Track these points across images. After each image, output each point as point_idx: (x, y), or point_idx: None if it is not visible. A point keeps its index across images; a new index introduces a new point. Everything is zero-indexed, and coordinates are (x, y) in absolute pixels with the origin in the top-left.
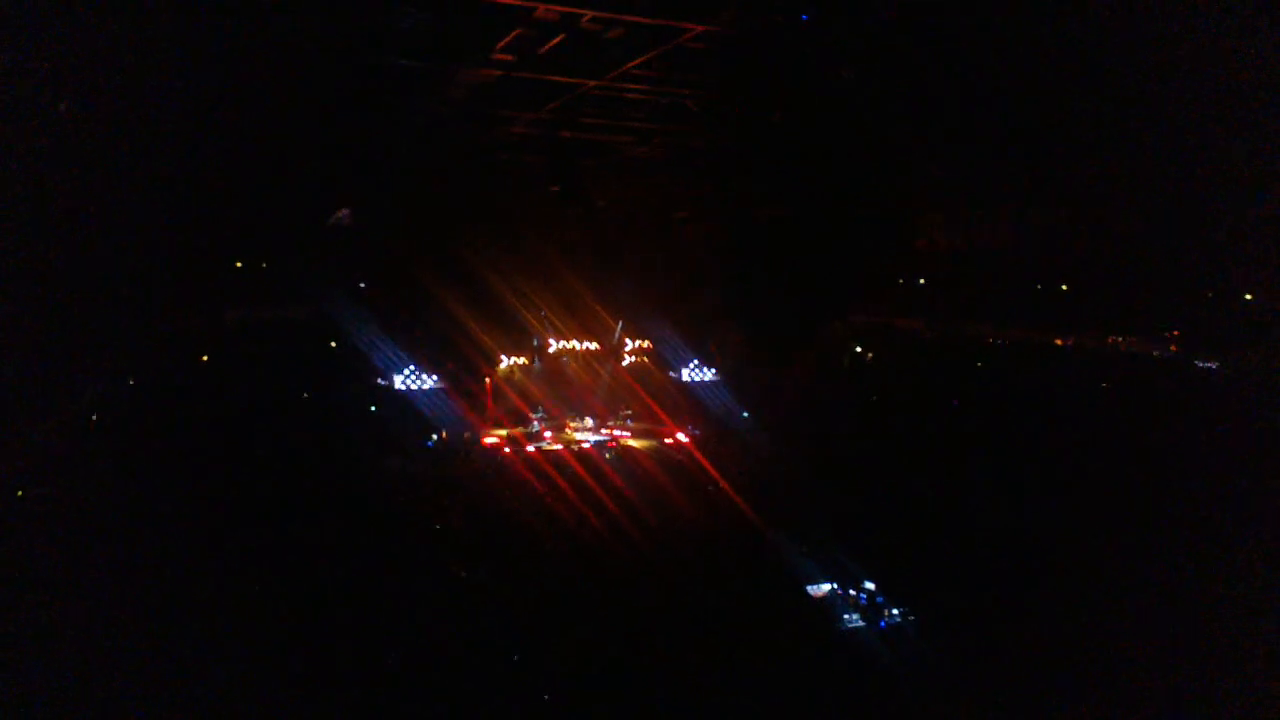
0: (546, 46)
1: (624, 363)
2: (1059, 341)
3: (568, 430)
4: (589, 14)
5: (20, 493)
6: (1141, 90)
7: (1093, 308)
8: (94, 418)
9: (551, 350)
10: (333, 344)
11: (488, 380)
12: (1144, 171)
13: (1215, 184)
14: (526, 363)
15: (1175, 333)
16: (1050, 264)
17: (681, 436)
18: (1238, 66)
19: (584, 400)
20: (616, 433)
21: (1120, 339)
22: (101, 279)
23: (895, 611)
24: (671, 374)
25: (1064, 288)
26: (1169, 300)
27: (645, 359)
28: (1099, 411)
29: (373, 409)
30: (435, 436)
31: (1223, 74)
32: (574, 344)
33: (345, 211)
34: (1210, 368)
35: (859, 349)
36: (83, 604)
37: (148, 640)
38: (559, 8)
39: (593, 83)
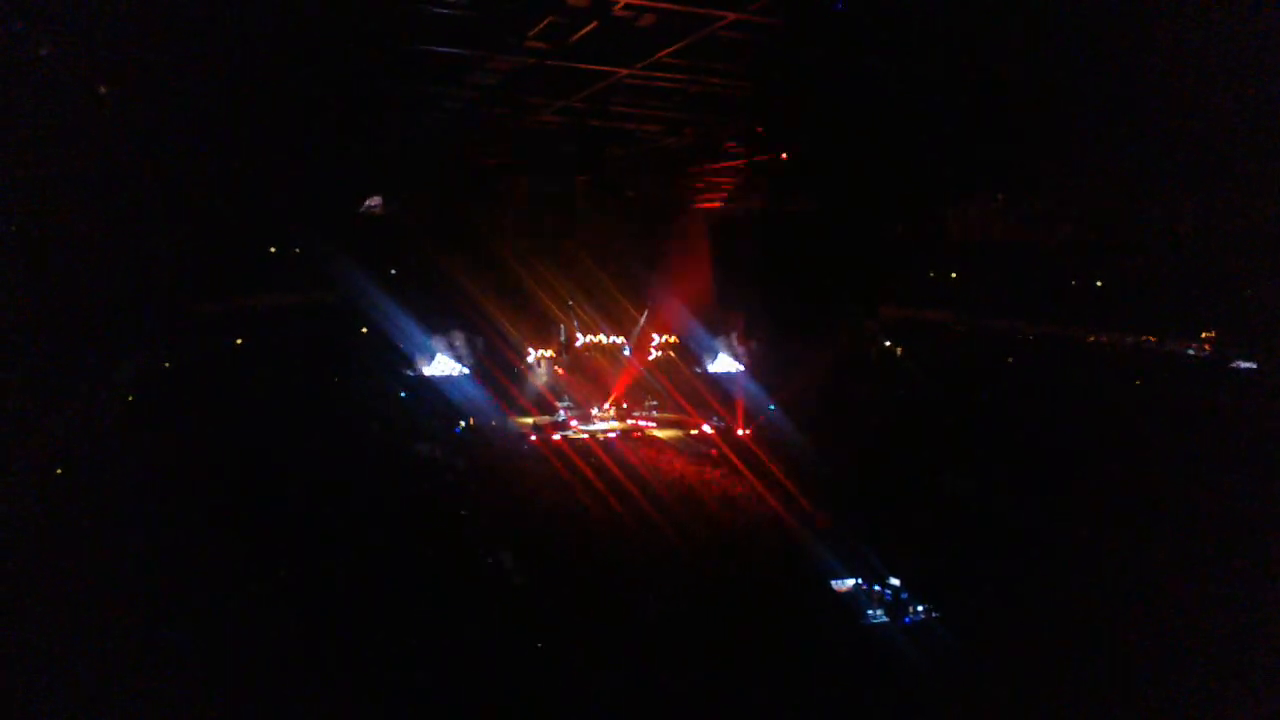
0: (578, 34)
1: (650, 357)
2: (1090, 338)
3: (593, 420)
4: (621, 1)
5: (60, 470)
6: (1179, 85)
7: (1127, 305)
8: (130, 399)
9: (578, 342)
10: (363, 330)
11: (515, 369)
12: (1181, 167)
13: (1255, 182)
14: (554, 353)
15: (1211, 334)
16: (1083, 259)
17: (706, 428)
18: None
19: (610, 391)
20: (642, 423)
21: (1153, 337)
22: (138, 263)
23: (920, 608)
24: (697, 366)
25: (1098, 284)
26: (1206, 299)
27: (671, 353)
28: (1131, 410)
29: (402, 395)
30: (463, 423)
31: (1261, 74)
32: (600, 338)
33: (377, 199)
34: (1250, 368)
35: (887, 342)
36: (120, 580)
37: (182, 614)
38: None
39: (624, 71)
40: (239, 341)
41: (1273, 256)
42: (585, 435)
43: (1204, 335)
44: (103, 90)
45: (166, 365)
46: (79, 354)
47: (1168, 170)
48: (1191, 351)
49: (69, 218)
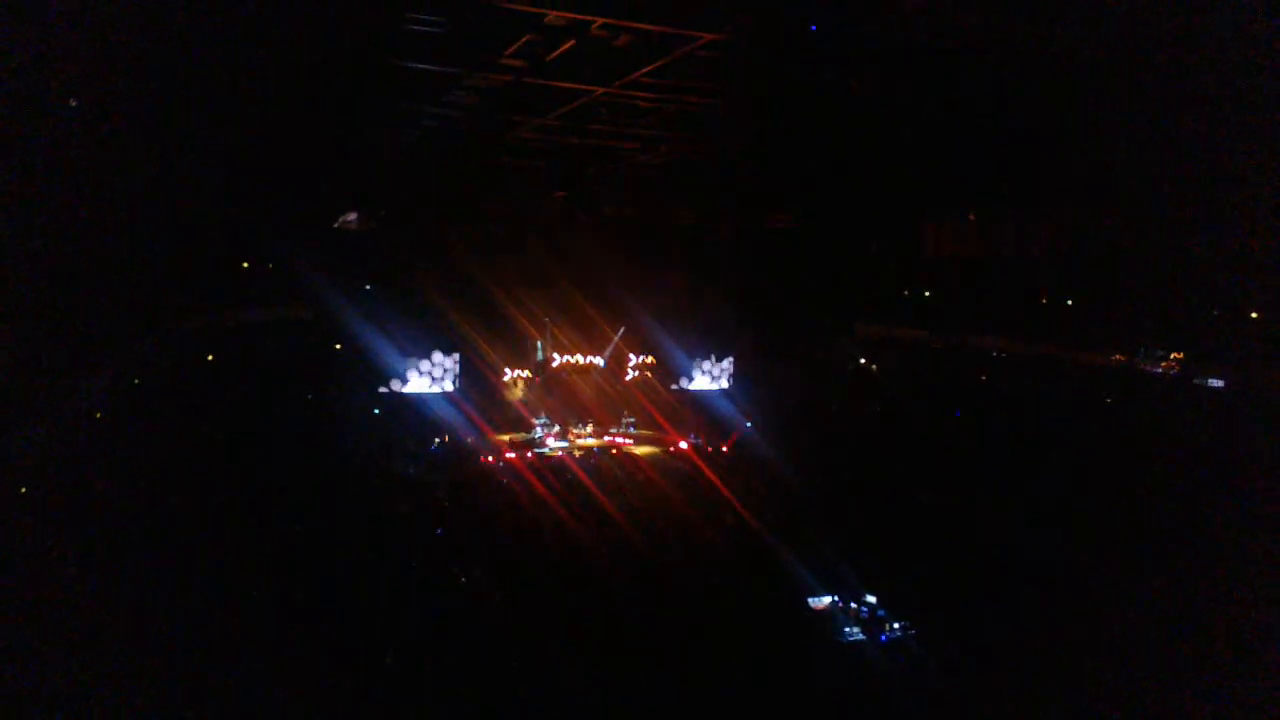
0: (556, 53)
1: (628, 374)
2: (1063, 356)
3: (570, 437)
4: (599, 21)
5: (24, 490)
6: (1150, 103)
7: (1097, 323)
8: (98, 416)
9: (555, 358)
10: (337, 346)
11: (492, 387)
12: (1151, 186)
13: (1222, 201)
14: (531, 368)
15: (1179, 354)
16: (1056, 278)
17: (684, 445)
18: (1245, 82)
19: (587, 407)
20: (619, 440)
21: (1122, 356)
22: (108, 279)
23: (896, 625)
24: (674, 384)
25: (1069, 302)
26: (1175, 317)
27: (649, 373)
28: (1102, 426)
29: (376, 412)
30: (438, 440)
31: (1232, 89)
32: (578, 357)
33: (353, 215)
34: (1216, 385)
35: (863, 359)
36: (84, 603)
37: (148, 640)
38: (569, 14)
39: (601, 89)
40: (211, 358)
41: (1240, 276)
42: (561, 452)
43: (1173, 356)
44: (73, 103)
45: (137, 382)
46: (47, 371)
47: (1140, 191)
48: (1160, 370)
49: (37, 231)
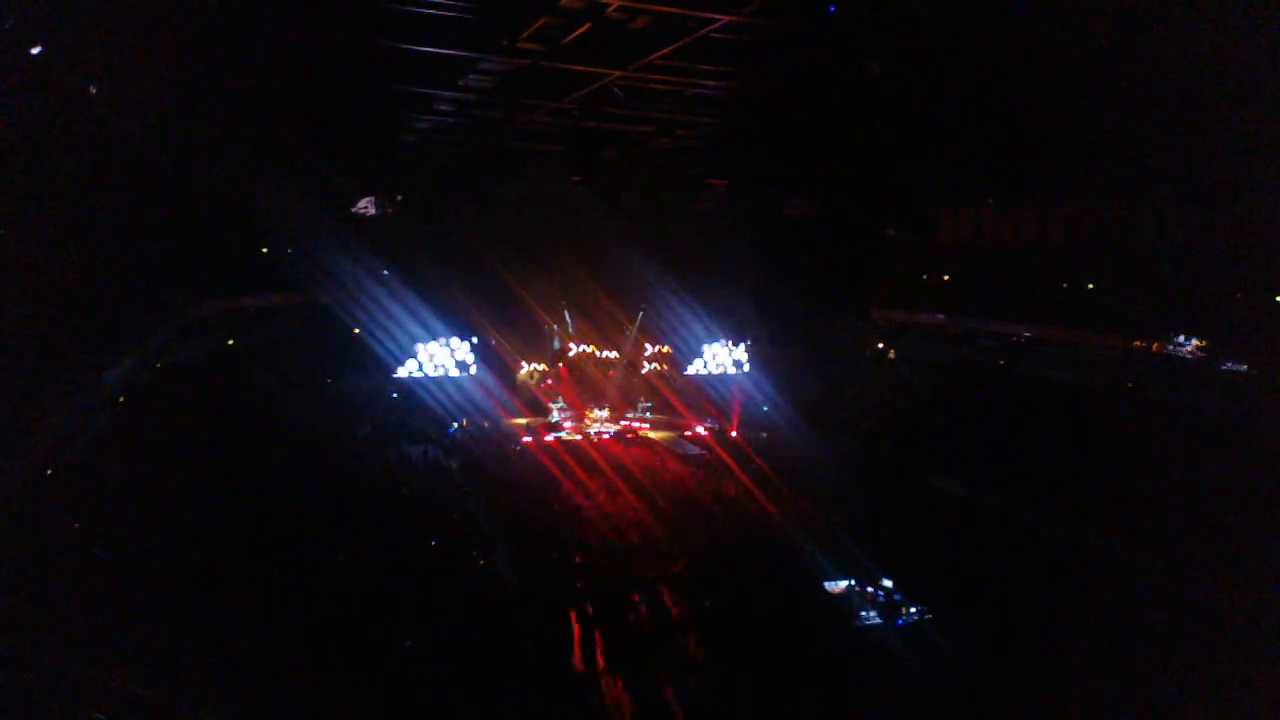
0: (572, 36)
1: (645, 356)
2: (1083, 341)
3: (586, 421)
4: (615, 4)
5: (50, 471)
6: (1171, 89)
7: (1119, 309)
8: (120, 400)
9: (571, 346)
10: (356, 330)
11: (509, 371)
12: (1173, 170)
13: (1247, 185)
14: (548, 356)
15: (1202, 342)
16: (1077, 262)
17: (700, 429)
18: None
19: (603, 392)
20: (635, 424)
21: (1140, 342)
22: (129, 264)
23: (913, 609)
24: (691, 369)
25: (1090, 287)
26: (1197, 301)
27: (665, 357)
28: (1123, 411)
29: (394, 395)
30: (456, 424)
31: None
32: (594, 347)
33: (370, 200)
34: (1240, 370)
35: (881, 344)
36: (108, 582)
37: (167, 619)
38: None
39: (617, 73)
40: (230, 343)
41: (1263, 261)
42: (579, 436)
43: (1196, 344)
44: (93, 91)
45: (158, 366)
46: (69, 356)
47: (1159, 176)
48: (1185, 353)
49: (59, 220)
